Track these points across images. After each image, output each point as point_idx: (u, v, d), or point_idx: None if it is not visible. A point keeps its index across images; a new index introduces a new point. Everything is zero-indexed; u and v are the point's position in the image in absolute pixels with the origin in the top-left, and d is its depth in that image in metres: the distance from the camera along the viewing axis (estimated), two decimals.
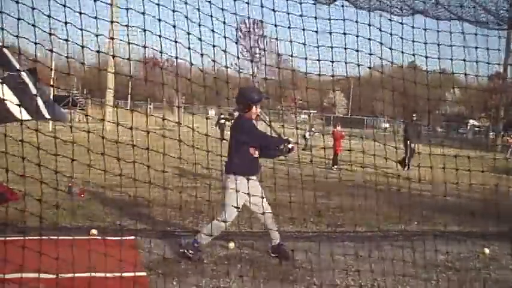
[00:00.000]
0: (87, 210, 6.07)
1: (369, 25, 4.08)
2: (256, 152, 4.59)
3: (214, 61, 3.68)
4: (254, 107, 4.58)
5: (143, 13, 3.44)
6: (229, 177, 4.47)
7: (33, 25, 3.03)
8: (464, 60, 4.38)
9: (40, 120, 3.53)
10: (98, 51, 3.54)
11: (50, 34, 3.26)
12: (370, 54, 4.11)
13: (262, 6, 3.90)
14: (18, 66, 3.30)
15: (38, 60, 3.21)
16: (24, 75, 3.27)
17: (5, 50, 3.28)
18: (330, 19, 4.04)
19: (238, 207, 4.43)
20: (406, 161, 13.70)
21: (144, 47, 3.41)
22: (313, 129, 19.91)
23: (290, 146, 4.52)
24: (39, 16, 3.07)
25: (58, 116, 3.70)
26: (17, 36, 3.01)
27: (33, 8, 3.07)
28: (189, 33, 3.56)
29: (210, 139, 3.84)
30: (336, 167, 13.54)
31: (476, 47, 4.42)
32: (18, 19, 3.01)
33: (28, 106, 3.22)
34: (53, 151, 3.07)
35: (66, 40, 3.19)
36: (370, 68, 4.20)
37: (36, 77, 3.39)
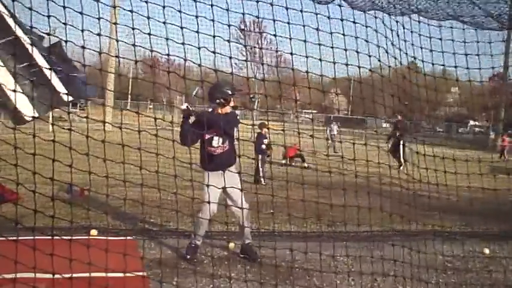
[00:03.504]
0: (87, 210, 6.06)
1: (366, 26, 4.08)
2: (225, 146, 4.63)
3: (231, 58, 3.69)
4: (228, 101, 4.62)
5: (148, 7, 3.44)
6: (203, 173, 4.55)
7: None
8: (464, 67, 4.40)
9: (60, 106, 3.54)
10: (100, 52, 3.53)
11: (49, 34, 3.25)
12: (369, 56, 4.11)
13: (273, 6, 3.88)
14: (38, 59, 3.26)
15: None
16: (42, 65, 3.24)
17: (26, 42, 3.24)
18: (329, 17, 4.04)
19: (208, 202, 4.27)
20: (402, 160, 14.02)
21: (149, 34, 3.40)
22: (334, 125, 19.75)
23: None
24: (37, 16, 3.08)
25: (86, 94, 3.71)
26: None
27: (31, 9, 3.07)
28: (198, 32, 3.57)
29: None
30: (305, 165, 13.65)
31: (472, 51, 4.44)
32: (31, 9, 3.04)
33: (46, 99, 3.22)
34: (54, 151, 3.07)
35: (66, 41, 3.19)
36: (370, 70, 4.20)
37: (62, 51, 3.38)
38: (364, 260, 4.28)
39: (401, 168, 13.52)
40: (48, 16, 2.99)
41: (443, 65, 4.52)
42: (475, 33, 4.59)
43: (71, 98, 3.44)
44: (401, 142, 14.23)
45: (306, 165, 13.49)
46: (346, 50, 4.02)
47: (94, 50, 3.34)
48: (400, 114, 15.27)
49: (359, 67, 4.03)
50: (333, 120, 22.60)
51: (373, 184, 5.04)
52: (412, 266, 4.19)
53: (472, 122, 45.20)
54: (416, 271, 4.26)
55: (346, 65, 4.03)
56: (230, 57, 3.74)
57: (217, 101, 4.58)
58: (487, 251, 5.36)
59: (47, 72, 3.19)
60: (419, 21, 4.36)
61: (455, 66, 4.45)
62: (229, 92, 4.61)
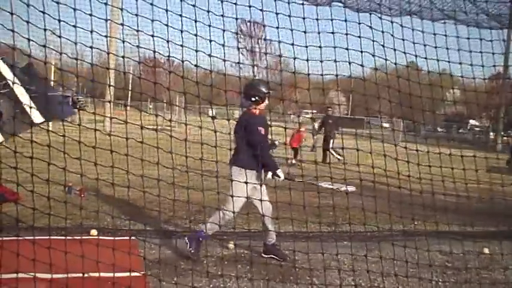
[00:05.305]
0: (87, 210, 6.06)
1: (371, 27, 4.07)
2: None
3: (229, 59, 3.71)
4: (265, 99, 4.62)
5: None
6: (238, 170, 4.46)
7: (27, 21, 3.02)
8: (460, 63, 4.39)
9: (34, 125, 3.50)
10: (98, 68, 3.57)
11: (45, 29, 3.25)
12: (373, 56, 4.12)
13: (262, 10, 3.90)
14: (9, 76, 3.26)
15: (33, 56, 3.20)
16: (12, 84, 3.23)
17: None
18: (317, 18, 4.06)
19: (247, 198, 4.46)
20: (331, 154, 14.44)
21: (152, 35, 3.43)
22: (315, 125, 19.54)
23: (280, 177, 4.63)
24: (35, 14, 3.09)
25: (64, 115, 3.68)
26: (12, 30, 3.00)
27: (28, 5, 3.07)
28: (196, 35, 3.60)
29: (207, 139, 3.84)
30: (292, 161, 13.54)
31: (470, 50, 4.43)
32: (28, 22, 3.04)
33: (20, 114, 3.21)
34: (54, 151, 3.07)
35: (74, 43, 3.22)
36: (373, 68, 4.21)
37: (34, 73, 3.35)
38: (364, 260, 4.28)
39: (327, 160, 14.05)
40: (45, 29, 3.03)
41: (449, 62, 4.50)
42: (476, 32, 4.61)
43: (41, 120, 3.42)
44: (329, 136, 14.61)
45: (293, 161, 13.48)
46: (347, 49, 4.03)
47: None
48: (329, 108, 15.57)
49: (365, 72, 4.04)
50: (314, 120, 21.55)
51: (370, 184, 5.05)
52: (412, 266, 4.18)
53: (472, 122, 45.15)
54: (416, 271, 4.26)
55: (343, 76, 4.06)
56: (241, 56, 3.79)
57: (253, 98, 4.60)
58: (487, 250, 5.35)
59: (18, 91, 3.19)
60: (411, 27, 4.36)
61: (459, 63, 4.46)
62: (265, 90, 4.62)
